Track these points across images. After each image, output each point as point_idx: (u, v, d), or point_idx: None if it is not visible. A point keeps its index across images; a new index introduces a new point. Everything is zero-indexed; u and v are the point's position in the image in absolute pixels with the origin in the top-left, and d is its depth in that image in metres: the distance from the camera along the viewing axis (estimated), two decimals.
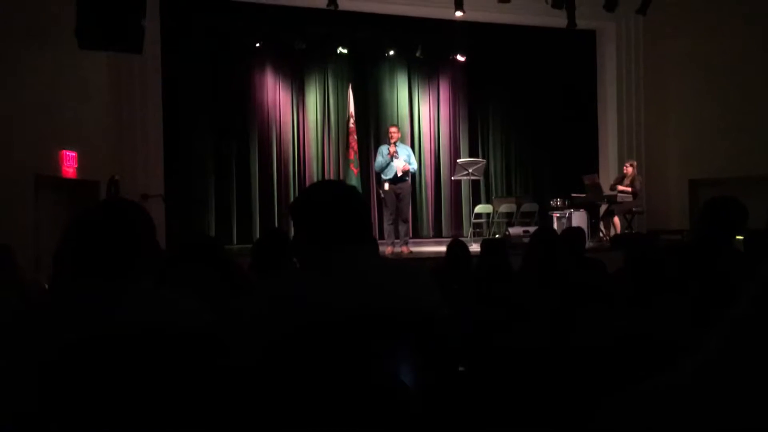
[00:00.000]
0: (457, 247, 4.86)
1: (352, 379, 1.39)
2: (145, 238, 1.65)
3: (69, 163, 7.51)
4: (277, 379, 1.41)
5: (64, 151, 7.42)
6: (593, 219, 10.05)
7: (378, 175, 8.88)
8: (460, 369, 2.20)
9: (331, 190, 1.74)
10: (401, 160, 8.35)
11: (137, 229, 1.64)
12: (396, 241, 8.55)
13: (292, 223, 1.78)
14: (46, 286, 4.74)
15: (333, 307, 1.48)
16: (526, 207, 11.06)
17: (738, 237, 3.30)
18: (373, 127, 11.94)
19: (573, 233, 4.90)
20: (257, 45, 10.83)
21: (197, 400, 1.40)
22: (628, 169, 9.93)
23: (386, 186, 8.50)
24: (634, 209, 9.83)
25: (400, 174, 8.33)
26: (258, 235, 10.09)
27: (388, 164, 8.38)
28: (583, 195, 9.99)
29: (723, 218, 2.94)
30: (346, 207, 1.65)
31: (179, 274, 2.63)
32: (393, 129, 8.74)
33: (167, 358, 1.43)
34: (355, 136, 10.78)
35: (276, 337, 1.46)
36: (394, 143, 8.44)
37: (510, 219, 10.95)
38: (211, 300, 1.72)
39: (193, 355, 1.46)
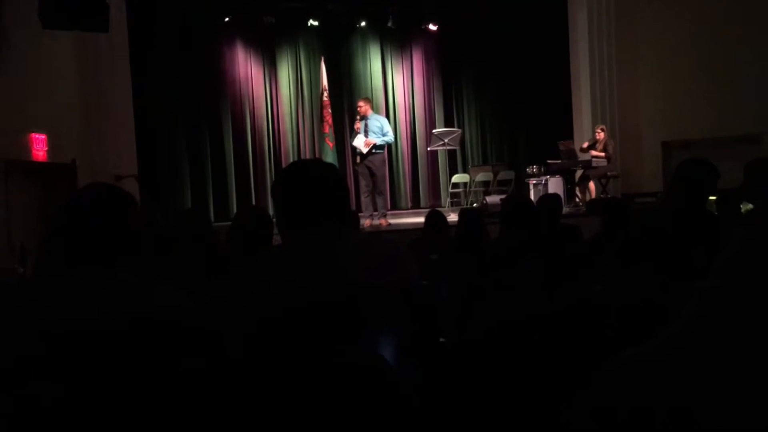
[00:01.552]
0: (435, 218, 4.87)
1: (335, 361, 1.39)
2: (131, 223, 1.64)
3: (39, 146, 7.36)
4: (260, 365, 1.41)
5: (33, 134, 7.27)
6: (569, 185, 10.11)
7: (354, 149, 8.82)
8: (441, 340, 2.22)
9: (308, 171, 1.73)
10: (364, 137, 8.21)
11: (124, 215, 1.62)
12: (374, 213, 8.53)
13: (272, 204, 1.79)
14: (21, 271, 4.69)
15: (308, 289, 1.48)
16: (503, 175, 11.08)
17: (711, 198, 3.35)
18: (347, 99, 11.86)
19: (549, 200, 4.93)
20: (226, 20, 10.69)
21: (181, 392, 1.40)
22: (600, 134, 9.93)
23: (358, 160, 8.45)
24: (609, 173, 9.88)
25: (364, 152, 8.23)
26: (235, 212, 10.02)
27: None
28: (559, 161, 10.02)
29: (694, 180, 2.97)
30: (322, 189, 1.66)
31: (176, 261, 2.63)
32: (360, 103, 8.49)
33: (153, 351, 1.42)
34: (330, 110, 10.67)
35: (256, 325, 1.47)
36: (360, 118, 8.32)
37: (487, 188, 10.97)
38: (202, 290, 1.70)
39: (178, 345, 1.46)
